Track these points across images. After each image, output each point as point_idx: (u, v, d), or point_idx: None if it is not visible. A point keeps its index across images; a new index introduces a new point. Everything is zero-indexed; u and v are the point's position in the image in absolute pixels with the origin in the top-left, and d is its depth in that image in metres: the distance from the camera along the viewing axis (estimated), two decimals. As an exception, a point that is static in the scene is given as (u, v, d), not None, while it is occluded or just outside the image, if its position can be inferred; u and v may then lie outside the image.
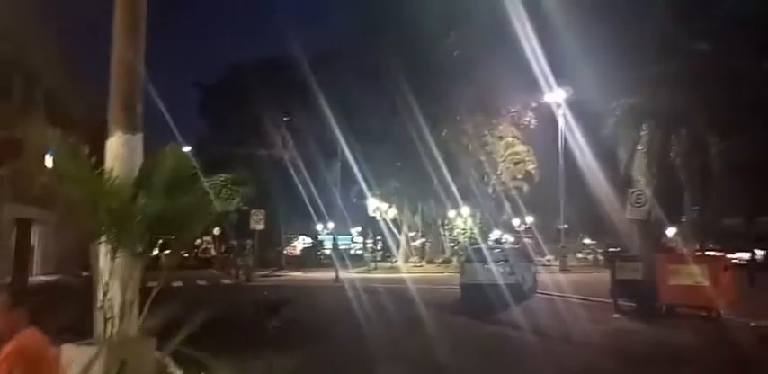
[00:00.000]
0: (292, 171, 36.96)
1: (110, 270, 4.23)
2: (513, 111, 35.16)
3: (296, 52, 32.58)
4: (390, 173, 36.14)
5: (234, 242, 37.70)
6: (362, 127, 32.98)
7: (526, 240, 37.91)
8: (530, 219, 42.84)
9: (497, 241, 40.54)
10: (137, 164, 4.69)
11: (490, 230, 40.17)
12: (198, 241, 41.20)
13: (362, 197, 38.11)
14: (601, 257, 38.33)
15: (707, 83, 18.50)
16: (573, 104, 28.66)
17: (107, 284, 4.20)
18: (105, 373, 3.61)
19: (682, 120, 20.88)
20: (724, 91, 18.20)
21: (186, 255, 34.90)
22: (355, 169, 32.96)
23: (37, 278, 21.59)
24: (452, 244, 38.56)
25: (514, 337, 10.07)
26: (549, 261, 35.77)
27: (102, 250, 4.37)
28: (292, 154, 38.60)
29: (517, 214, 40.22)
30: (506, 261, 16.29)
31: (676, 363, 7.88)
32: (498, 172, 35.97)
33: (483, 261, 16.37)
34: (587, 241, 46.40)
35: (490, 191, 36.25)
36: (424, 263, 37.08)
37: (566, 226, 32.28)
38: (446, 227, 39.11)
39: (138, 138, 4.86)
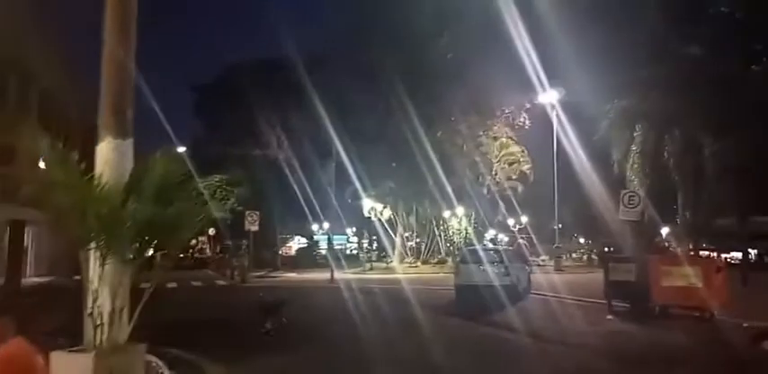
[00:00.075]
0: (287, 171, 36.89)
1: (99, 276, 4.20)
2: (507, 111, 35.27)
3: (291, 53, 32.47)
4: (385, 173, 36.11)
5: (229, 242, 37.59)
6: (357, 127, 32.89)
7: (521, 240, 38.08)
8: (524, 219, 42.99)
9: (492, 241, 40.63)
10: (127, 169, 4.66)
11: (485, 230, 40.24)
12: (193, 241, 41.15)
13: (357, 197, 38.08)
14: (595, 257, 38.54)
15: (697, 86, 18.61)
16: (566, 105, 28.75)
17: (96, 291, 4.17)
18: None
19: (674, 122, 20.98)
20: (714, 94, 18.31)
21: (181, 256, 34.86)
22: (350, 169, 32.89)
23: (30, 279, 21.50)
24: (448, 245, 38.61)
25: (509, 338, 10.09)
26: (543, 261, 35.93)
27: (92, 256, 4.34)
28: (287, 154, 38.52)
29: (512, 214, 40.31)
30: (501, 262, 16.29)
31: (670, 364, 7.90)
32: (493, 172, 36.07)
33: (478, 262, 16.39)
34: (582, 241, 46.61)
35: (485, 191, 36.35)
36: (419, 264, 37.06)
37: (560, 226, 32.41)
38: (441, 228, 39.15)
39: (129, 143, 4.84)
